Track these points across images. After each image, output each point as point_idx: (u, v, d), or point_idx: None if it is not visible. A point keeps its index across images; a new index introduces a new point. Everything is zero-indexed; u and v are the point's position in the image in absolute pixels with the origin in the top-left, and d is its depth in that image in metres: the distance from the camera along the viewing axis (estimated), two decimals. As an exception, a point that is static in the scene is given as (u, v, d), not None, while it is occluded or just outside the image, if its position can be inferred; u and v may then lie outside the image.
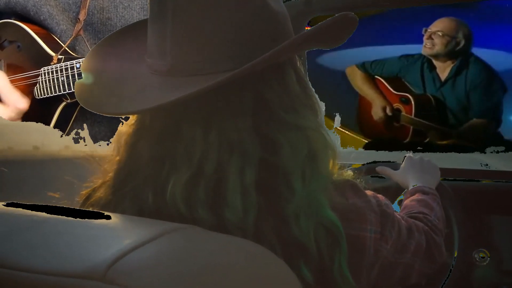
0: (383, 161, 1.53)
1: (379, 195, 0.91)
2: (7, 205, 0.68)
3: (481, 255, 1.52)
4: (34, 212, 0.65)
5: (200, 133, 0.76)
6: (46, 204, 0.69)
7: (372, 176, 1.53)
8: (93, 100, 0.83)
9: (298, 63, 0.87)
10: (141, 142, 0.81)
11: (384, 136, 2.11)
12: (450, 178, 1.62)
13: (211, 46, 0.76)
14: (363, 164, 1.58)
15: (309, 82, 0.89)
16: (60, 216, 0.64)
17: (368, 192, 0.89)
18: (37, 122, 1.56)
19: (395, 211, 0.94)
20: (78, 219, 0.63)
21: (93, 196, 0.86)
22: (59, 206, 0.68)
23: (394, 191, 1.40)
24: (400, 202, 1.36)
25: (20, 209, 0.67)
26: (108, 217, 0.64)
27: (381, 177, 1.52)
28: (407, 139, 2.06)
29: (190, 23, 0.76)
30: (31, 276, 0.54)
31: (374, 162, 1.55)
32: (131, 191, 0.81)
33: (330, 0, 1.64)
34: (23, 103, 1.52)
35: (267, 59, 0.74)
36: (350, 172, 0.91)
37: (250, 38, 0.77)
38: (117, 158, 0.84)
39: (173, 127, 0.78)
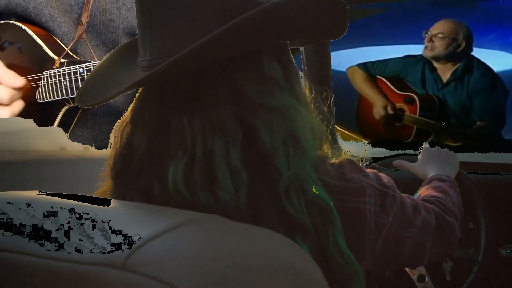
0: (400, 154, 1.51)
1: (381, 173, 0.91)
2: (39, 194, 0.69)
3: (509, 251, 1.51)
4: (59, 200, 0.65)
5: (186, 121, 0.80)
6: (70, 193, 0.69)
7: (387, 170, 1.52)
8: (78, 94, 0.90)
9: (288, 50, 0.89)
10: (136, 134, 0.85)
11: (387, 136, 2.11)
12: (479, 172, 1.61)
13: (183, 40, 0.80)
14: (380, 158, 1.56)
15: (297, 70, 0.90)
16: (81, 204, 0.64)
17: (369, 170, 0.90)
18: (38, 125, 1.54)
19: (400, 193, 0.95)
20: (100, 206, 0.63)
21: (104, 194, 0.89)
22: (82, 195, 0.68)
23: (412, 184, 1.38)
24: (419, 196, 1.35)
25: (48, 197, 0.67)
26: (127, 205, 0.65)
27: (395, 170, 1.51)
28: (410, 139, 2.06)
29: (164, 21, 0.81)
30: (52, 263, 0.54)
31: (390, 156, 1.53)
32: (137, 186, 0.83)
33: None
34: (19, 81, 1.50)
35: (195, 51, 0.76)
36: (348, 154, 0.92)
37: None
38: (115, 149, 0.87)
39: (161, 118, 0.82)
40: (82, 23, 1.48)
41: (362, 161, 0.94)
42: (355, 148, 2.11)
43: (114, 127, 0.88)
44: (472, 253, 1.53)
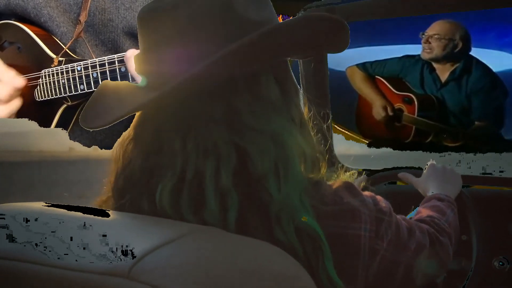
0: (406, 167, 1.51)
1: (379, 196, 0.91)
2: (47, 205, 0.72)
3: (501, 262, 1.51)
4: (64, 212, 0.68)
5: (179, 143, 0.81)
6: (77, 205, 0.72)
7: (390, 183, 1.52)
8: (83, 115, 0.91)
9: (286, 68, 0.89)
10: (134, 150, 0.86)
11: (386, 136, 2.10)
12: (469, 185, 1.62)
13: (177, 64, 0.82)
14: (384, 170, 1.57)
15: (296, 87, 0.91)
16: (87, 216, 0.67)
17: (367, 193, 0.90)
18: (38, 124, 1.55)
19: (396, 214, 0.95)
20: (102, 218, 0.66)
21: (104, 205, 0.90)
22: (87, 207, 0.72)
23: (415, 198, 1.38)
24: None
25: (55, 209, 0.70)
26: (130, 217, 0.68)
27: (392, 182, 1.51)
28: (409, 139, 2.05)
29: (160, 50, 0.83)
30: (59, 272, 0.56)
31: (395, 168, 1.54)
32: (129, 201, 0.85)
33: (353, 8, 1.65)
34: (19, 80, 1.51)
35: (194, 77, 0.78)
36: (347, 174, 0.93)
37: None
38: (117, 165, 0.88)
39: (156, 137, 0.84)
40: (80, 22, 1.49)
41: (355, 175, 0.93)
42: (354, 147, 2.10)
43: (116, 143, 0.90)
44: (464, 264, 1.53)
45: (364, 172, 1.55)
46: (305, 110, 0.91)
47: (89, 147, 1.59)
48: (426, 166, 1.43)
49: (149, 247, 0.56)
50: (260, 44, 0.81)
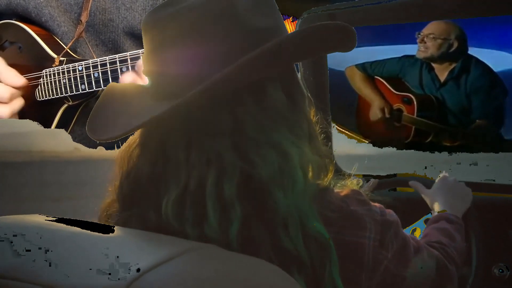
0: (418, 175, 1.51)
1: (388, 209, 0.91)
2: (47, 220, 0.72)
3: (501, 270, 1.51)
4: (62, 227, 0.68)
5: (182, 154, 0.81)
6: (77, 219, 0.72)
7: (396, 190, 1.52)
8: (91, 125, 0.90)
9: (294, 75, 0.89)
10: (141, 159, 0.86)
11: (386, 136, 2.10)
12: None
13: (182, 74, 0.82)
14: (395, 175, 1.56)
15: (303, 94, 0.90)
16: (86, 232, 0.67)
17: (376, 204, 0.89)
18: (38, 124, 1.55)
19: (405, 232, 0.94)
20: (102, 234, 0.66)
21: (109, 209, 0.90)
22: (86, 221, 0.71)
23: (423, 207, 1.38)
24: (426, 221, 1.34)
25: (52, 223, 0.70)
26: (131, 233, 0.68)
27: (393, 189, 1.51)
28: (409, 139, 2.05)
29: (166, 57, 0.83)
30: None
31: (393, 175, 1.54)
32: (137, 211, 0.85)
33: (353, 14, 1.66)
34: (20, 80, 1.52)
35: (209, 87, 0.78)
36: (354, 182, 0.92)
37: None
38: (122, 170, 0.88)
39: (160, 148, 0.83)
40: (81, 22, 1.50)
41: (361, 183, 0.93)
42: (357, 148, 2.10)
43: (121, 148, 0.90)
44: (464, 271, 1.53)
45: (370, 180, 1.54)
46: (312, 114, 0.91)
47: (95, 148, 1.59)
48: (438, 177, 1.41)
49: (148, 265, 0.56)
50: (276, 54, 0.80)
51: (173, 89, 0.81)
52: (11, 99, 1.51)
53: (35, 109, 1.55)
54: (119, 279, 0.54)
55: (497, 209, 1.60)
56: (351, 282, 0.83)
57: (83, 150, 1.59)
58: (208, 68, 0.80)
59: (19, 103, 1.53)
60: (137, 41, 1.55)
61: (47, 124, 1.54)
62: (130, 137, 0.89)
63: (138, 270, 0.55)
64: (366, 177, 1.65)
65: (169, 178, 0.81)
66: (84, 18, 1.50)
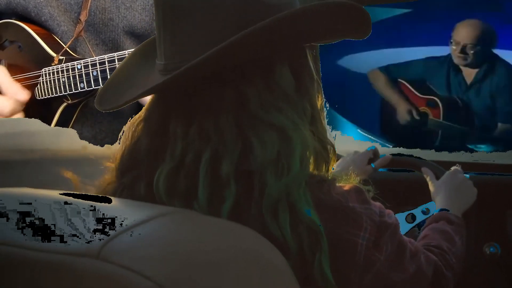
0: (432, 161, 1.48)
1: (388, 210, 0.90)
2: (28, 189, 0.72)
3: (492, 248, 1.49)
4: (44, 193, 0.69)
5: (183, 128, 0.81)
6: (59, 191, 0.72)
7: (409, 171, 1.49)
8: (98, 97, 0.92)
9: (309, 57, 0.87)
10: (142, 134, 0.87)
11: (410, 140, 2.07)
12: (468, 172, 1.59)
13: (192, 47, 0.81)
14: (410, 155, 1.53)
15: (312, 78, 0.88)
16: (64, 198, 0.67)
17: (377, 204, 0.88)
18: (43, 123, 1.56)
19: (405, 236, 0.93)
20: (80, 200, 0.66)
21: (106, 184, 0.90)
22: (68, 192, 0.72)
23: (426, 196, 1.36)
24: (423, 211, 1.33)
25: (34, 190, 0.71)
26: (109, 201, 0.68)
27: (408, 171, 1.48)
28: (436, 143, 2.02)
29: (175, 29, 0.82)
30: (33, 254, 0.57)
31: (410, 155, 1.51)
32: (128, 182, 0.86)
33: None
34: (23, 95, 1.52)
35: (206, 59, 0.77)
36: (356, 178, 0.90)
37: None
38: (125, 144, 0.89)
39: (162, 122, 0.84)
40: (81, 21, 1.50)
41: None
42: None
43: (126, 124, 0.90)
44: None
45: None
46: (319, 100, 0.89)
47: (102, 146, 1.60)
48: (449, 170, 1.39)
49: (121, 228, 0.56)
50: (275, 30, 0.78)
51: (177, 63, 0.81)
52: (12, 113, 1.52)
53: (35, 107, 1.55)
54: (91, 243, 0.55)
55: (493, 188, 1.57)
56: (339, 277, 0.81)
57: (91, 148, 1.59)
58: (214, 43, 0.78)
59: (20, 117, 1.54)
60: (137, 40, 1.55)
61: (46, 123, 1.55)
62: (137, 115, 0.90)
63: (111, 231, 0.56)
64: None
65: (166, 151, 0.81)
66: (83, 17, 1.50)
